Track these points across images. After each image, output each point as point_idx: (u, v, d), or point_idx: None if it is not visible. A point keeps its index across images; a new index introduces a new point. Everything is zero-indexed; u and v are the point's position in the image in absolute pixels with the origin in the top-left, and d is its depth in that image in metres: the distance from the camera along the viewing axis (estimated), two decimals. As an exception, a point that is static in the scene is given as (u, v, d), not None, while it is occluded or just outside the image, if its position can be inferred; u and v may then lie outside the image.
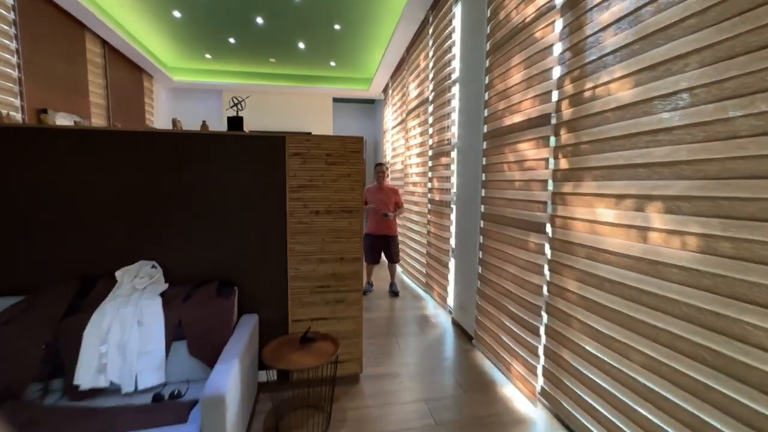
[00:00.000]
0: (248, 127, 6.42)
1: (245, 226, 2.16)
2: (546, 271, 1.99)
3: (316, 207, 2.23)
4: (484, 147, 2.70)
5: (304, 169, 2.20)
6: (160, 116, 6.17)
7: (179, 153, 2.05)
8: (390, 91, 6.08)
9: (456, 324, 3.34)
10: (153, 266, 2.04)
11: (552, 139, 1.94)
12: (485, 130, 2.68)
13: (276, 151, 2.16)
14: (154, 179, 2.03)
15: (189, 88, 6.38)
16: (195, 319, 1.86)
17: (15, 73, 3.14)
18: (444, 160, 3.50)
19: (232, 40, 4.99)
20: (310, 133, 6.74)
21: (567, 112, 1.82)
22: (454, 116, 3.33)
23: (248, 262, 2.18)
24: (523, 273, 2.17)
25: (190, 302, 1.93)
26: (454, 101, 3.33)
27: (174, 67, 5.95)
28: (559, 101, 1.88)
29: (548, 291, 1.97)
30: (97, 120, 4.37)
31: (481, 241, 2.77)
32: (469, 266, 3.01)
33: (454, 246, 3.38)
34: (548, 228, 1.97)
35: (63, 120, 3.64)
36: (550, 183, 1.95)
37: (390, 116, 6.15)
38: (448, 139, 3.44)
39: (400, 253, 4.64)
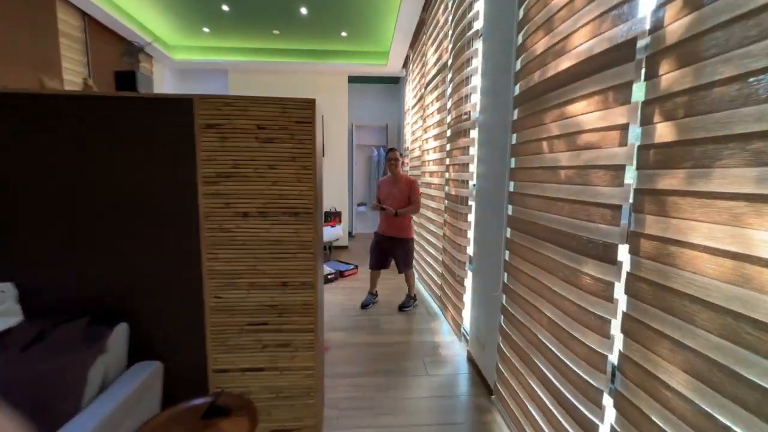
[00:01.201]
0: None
1: (140, 234, 1.46)
2: (616, 334, 1.09)
3: (243, 207, 1.49)
4: (514, 118, 1.80)
5: (225, 149, 1.45)
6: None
7: (37, 126, 1.37)
8: (410, 65, 5.18)
9: (472, 362, 2.48)
10: (1, 291, 1.40)
11: (638, 88, 1.02)
12: (516, 93, 1.77)
13: (180, 122, 1.42)
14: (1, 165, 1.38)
15: (193, 68, 5.89)
16: (21, 380, 1.19)
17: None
18: (462, 141, 2.61)
19: (225, 8, 4.35)
20: (323, 119, 5.99)
21: (678, 26, 0.90)
22: (476, 80, 2.42)
23: (146, 286, 1.49)
24: (571, 326, 1.28)
25: (35, 349, 1.27)
26: (475, 60, 2.42)
27: (175, 45, 5.46)
28: (661, 6, 0.95)
29: (621, 371, 1.08)
30: (76, 101, 3.93)
31: (507, 257, 1.88)
32: (490, 289, 2.14)
33: (472, 255, 2.51)
34: (624, 254, 1.07)
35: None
36: (631, 171, 1.04)
37: (410, 94, 5.26)
38: (466, 113, 2.53)
39: (414, 259, 3.81)
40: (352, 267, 4.72)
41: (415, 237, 4.36)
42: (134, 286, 1.48)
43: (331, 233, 5.29)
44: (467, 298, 2.62)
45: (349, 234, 6.97)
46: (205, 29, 4.99)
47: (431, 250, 3.67)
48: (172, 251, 1.48)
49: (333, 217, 5.95)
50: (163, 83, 5.73)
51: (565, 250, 1.32)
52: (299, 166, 1.48)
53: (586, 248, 1.21)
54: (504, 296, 1.91)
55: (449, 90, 2.95)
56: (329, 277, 4.31)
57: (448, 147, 3.00)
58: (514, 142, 1.82)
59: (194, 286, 1.50)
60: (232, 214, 1.48)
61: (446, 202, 3.04)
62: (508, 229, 1.87)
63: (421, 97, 4.19)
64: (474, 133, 2.48)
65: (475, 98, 2.44)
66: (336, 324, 3.14)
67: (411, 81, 5.14)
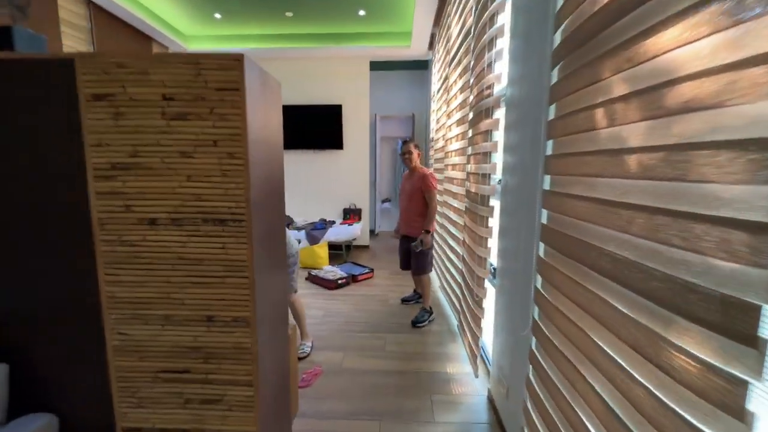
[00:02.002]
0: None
1: (16, 248, 1.09)
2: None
3: (149, 211, 1.06)
4: (554, 81, 1.22)
5: (121, 129, 1.03)
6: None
7: None
8: (436, 45, 4.59)
9: (493, 406, 1.94)
10: None
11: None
12: (556, 43, 1.20)
13: (58, 93, 1.02)
14: None
15: (210, 59, 5.69)
16: None
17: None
18: (483, 124, 2.03)
19: (232, -11, 4.02)
20: (341, 108, 5.62)
21: None
22: (502, 43, 1.84)
23: (29, 316, 1.11)
24: None
25: None
26: (501, 15, 1.84)
27: (189, 35, 5.27)
28: None
29: None
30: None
31: (539, 285, 1.33)
32: (516, 318, 1.58)
33: (496, 269, 1.95)
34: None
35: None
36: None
37: (435, 77, 4.68)
38: (489, 86, 1.95)
39: (436, 264, 3.29)
40: (367, 271, 4.27)
41: (436, 237, 3.84)
42: (14, 315, 1.11)
43: (348, 232, 4.87)
44: (489, 320, 2.07)
45: (372, 232, 6.53)
46: (217, 15, 4.72)
47: (453, 256, 3.11)
48: (60, 271, 1.09)
49: (352, 214, 5.53)
50: (180, 75, 5.57)
51: (638, 295, 0.75)
52: (223, 154, 1.02)
53: (684, 301, 0.64)
54: (534, 339, 1.35)
55: (472, 61, 2.37)
56: (340, 282, 3.89)
57: (470, 133, 2.43)
58: (551, 116, 1.24)
59: (91, 317, 1.11)
60: (135, 221, 1.06)
61: (466, 201, 2.47)
62: (541, 245, 1.31)
63: (446, 78, 3.61)
64: (499, 114, 1.90)
65: (500, 67, 1.86)
66: (334, 341, 2.70)
67: (437, 62, 4.55)
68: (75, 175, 1.05)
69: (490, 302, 2.03)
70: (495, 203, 1.96)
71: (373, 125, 6.35)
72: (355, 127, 5.51)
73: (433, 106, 4.74)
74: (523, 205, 1.53)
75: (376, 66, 6.09)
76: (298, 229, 4.89)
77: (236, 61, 0.99)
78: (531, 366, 1.36)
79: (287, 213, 5.66)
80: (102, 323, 1.11)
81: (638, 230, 0.74)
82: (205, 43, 5.30)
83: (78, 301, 1.11)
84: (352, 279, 4.09)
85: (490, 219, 1.96)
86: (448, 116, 3.39)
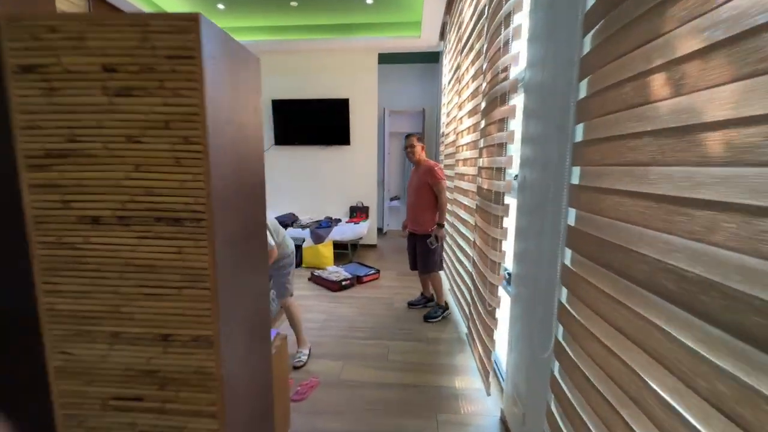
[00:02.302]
0: (268, 95, 5.34)
1: (-58, 248, 0.92)
2: None
3: (92, 208, 0.88)
4: (585, 51, 0.99)
5: (56, 108, 0.85)
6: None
7: None
8: (447, 35, 4.35)
9: (506, 429, 1.72)
10: None
11: None
12: (590, 4, 0.97)
13: (-18, 61, 0.85)
14: None
15: (215, 53, 5.56)
16: None
17: None
18: (497, 112, 1.80)
19: (234, -23, 3.86)
20: (348, 103, 5.41)
21: None
22: (519, 19, 1.61)
23: (-40, 331, 0.95)
24: None
25: None
26: (522, -16, 1.60)
27: (194, 27, 5.14)
28: None
29: None
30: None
31: (564, 299, 1.11)
32: (534, 334, 1.36)
33: (511, 274, 1.72)
34: None
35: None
36: None
37: (446, 68, 4.44)
38: (504, 69, 1.72)
39: (446, 265, 3.08)
40: (373, 272, 4.08)
41: (446, 236, 3.62)
42: (-58, 329, 0.95)
43: (353, 231, 4.68)
44: (503, 331, 1.85)
45: (379, 231, 6.33)
46: (220, 6, 4.57)
47: (463, 258, 2.89)
48: (-9, 278, 0.92)
49: (359, 212, 5.34)
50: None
51: (714, 327, 0.53)
52: (178, 138, 0.83)
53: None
54: (557, 363, 1.13)
55: (485, 45, 2.14)
56: (344, 283, 3.71)
57: (482, 124, 2.20)
58: (583, 94, 1.02)
59: (29, 333, 0.94)
60: (75, 220, 0.88)
61: (477, 198, 2.25)
62: (567, 251, 1.08)
63: (457, 67, 3.38)
64: (516, 100, 1.67)
65: (518, 46, 1.63)
66: (334, 349, 2.52)
67: (448, 53, 4.31)
68: (5, 164, 0.87)
69: (504, 311, 1.81)
70: (510, 201, 1.74)
71: (382, 120, 6.14)
72: (362, 122, 5.31)
73: (444, 99, 4.51)
74: (544, 203, 1.30)
75: (385, 59, 5.87)
76: (303, 227, 4.72)
77: (190, 21, 0.80)
78: (553, 395, 1.14)
79: (291, 211, 5.51)
80: (41, 340, 0.94)
81: (723, 239, 0.52)
82: (210, 36, 5.16)
83: (12, 314, 0.94)
84: (357, 280, 3.90)
85: (504, 219, 1.74)
86: (460, 108, 3.16)
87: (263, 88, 5.61)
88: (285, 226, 4.73)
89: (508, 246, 1.74)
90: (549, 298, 1.22)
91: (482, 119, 2.19)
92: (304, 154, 5.44)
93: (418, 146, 2.91)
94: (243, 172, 1.05)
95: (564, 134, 1.13)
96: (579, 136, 1.06)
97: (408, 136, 2.98)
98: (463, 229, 2.87)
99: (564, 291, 1.12)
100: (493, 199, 1.84)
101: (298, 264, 4.47)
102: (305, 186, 5.51)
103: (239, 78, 1.01)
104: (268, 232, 2.04)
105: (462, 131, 3.02)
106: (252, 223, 1.13)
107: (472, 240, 2.41)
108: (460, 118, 3.10)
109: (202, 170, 0.85)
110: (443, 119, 4.56)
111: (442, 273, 3.15)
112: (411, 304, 3.25)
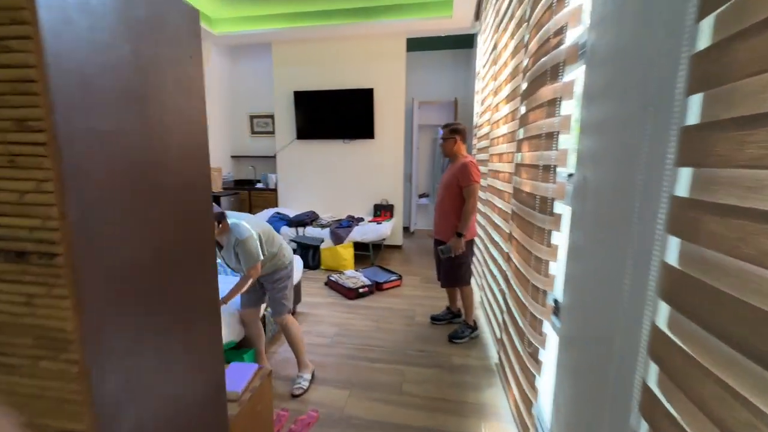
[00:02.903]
0: (290, 86, 5.07)
1: None
2: None
3: None
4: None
5: None
6: (204, 79, 5.37)
7: None
8: (483, 12, 3.84)
9: None
10: None
11: None
12: None
13: None
14: None
15: (237, 43, 5.38)
16: None
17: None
18: (546, 91, 1.35)
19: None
20: (372, 93, 4.97)
21: None
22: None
23: None
24: None
25: None
26: None
27: (215, 18, 4.97)
28: None
29: None
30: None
31: (652, 381, 0.67)
32: (597, 417, 0.93)
33: (561, 305, 1.28)
34: None
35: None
36: None
37: (481, 50, 3.94)
38: (558, 31, 1.27)
39: (478, 276, 2.65)
40: (394, 278, 3.71)
41: (477, 242, 3.18)
42: None
43: (375, 231, 4.33)
44: (546, 385, 1.42)
45: (406, 230, 5.95)
46: (240, -8, 4.34)
47: (496, 271, 2.45)
48: None
49: (383, 211, 4.98)
50: (209, 63, 5.34)
51: None
52: (8, 123, 0.51)
53: None
54: (642, 486, 0.71)
55: (528, 9, 1.68)
56: (361, 290, 3.37)
57: (522, 109, 1.75)
58: (706, 43, 0.58)
59: None
60: None
61: (514, 202, 1.80)
62: (661, 305, 0.66)
63: (494, 47, 2.90)
64: (577, 74, 1.22)
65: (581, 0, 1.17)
66: (341, 372, 2.19)
67: (483, 32, 3.81)
68: None
69: (550, 350, 1.38)
70: (563, 210, 1.30)
71: (410, 112, 5.72)
72: (388, 114, 4.93)
73: (478, 85, 4.02)
74: (619, 220, 0.87)
75: (414, 45, 5.43)
76: (322, 226, 4.44)
77: None
78: None
79: (312, 209, 5.25)
80: None
81: None
82: (232, 26, 4.98)
83: None
84: (376, 287, 3.55)
85: (554, 233, 1.30)
86: (495, 93, 2.70)
87: (283, 80, 5.37)
88: (303, 224, 4.47)
89: (559, 268, 1.31)
90: (626, 369, 0.79)
91: (522, 103, 1.74)
92: (326, 149, 5.15)
93: (455, 138, 2.51)
94: (160, 171, 0.72)
95: (661, 115, 0.70)
96: (693, 117, 0.62)
97: (444, 126, 2.59)
98: (496, 237, 2.42)
99: (653, 368, 0.69)
100: (538, 207, 1.40)
101: (316, 266, 4.20)
102: (327, 182, 5.23)
103: (153, 31, 0.67)
104: (256, 244, 1.74)
105: (498, 121, 2.56)
106: (182, 242, 0.80)
107: (506, 252, 1.98)
108: (496, 105, 2.64)
109: (51, 175, 0.52)
110: (477, 108, 4.08)
111: (473, 284, 2.74)
112: (434, 319, 2.86)
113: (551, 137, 1.29)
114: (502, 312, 2.10)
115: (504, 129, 2.30)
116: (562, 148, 1.24)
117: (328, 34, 4.80)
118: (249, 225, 1.75)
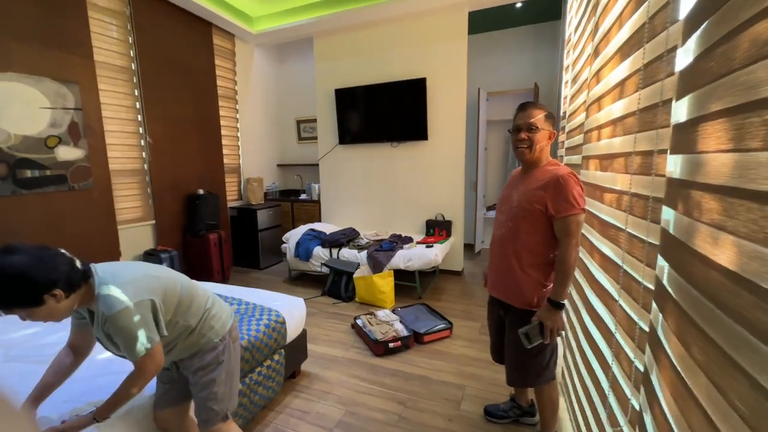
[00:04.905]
0: (331, 84, 4.39)
1: None
2: None
3: None
4: None
5: None
6: (248, 84, 5.02)
7: None
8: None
9: None
10: None
11: None
12: None
13: None
14: None
15: (278, 41, 4.91)
16: None
17: None
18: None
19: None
20: (425, 83, 3.92)
21: None
22: None
23: None
24: None
25: None
26: None
27: (255, 16, 4.57)
28: None
29: None
30: (118, 88, 3.35)
31: None
32: None
33: None
34: None
35: (18, 83, 2.63)
36: None
37: (573, 16, 2.77)
38: None
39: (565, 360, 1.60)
40: (441, 326, 2.76)
41: (567, 308, 2.07)
42: None
43: (422, 258, 3.40)
44: None
45: (469, 249, 4.89)
46: (270, -19, 3.82)
47: (591, 356, 1.37)
48: None
49: (438, 228, 4.03)
50: (252, 66, 5.00)
51: None
52: None
53: None
54: None
55: None
56: (392, 345, 2.50)
57: (639, 99, 0.72)
58: None
59: None
60: None
61: (642, 245, 0.76)
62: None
63: (594, 6, 1.80)
64: None
65: None
66: None
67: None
68: None
69: None
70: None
71: (474, 106, 4.66)
72: (445, 109, 3.97)
73: (567, 60, 2.86)
74: None
75: (479, 23, 4.38)
76: (360, 248, 3.67)
77: None
78: None
79: (351, 225, 4.52)
80: None
81: None
82: (272, 22, 4.54)
83: None
84: (414, 338, 2.65)
85: None
86: (597, 78, 1.60)
87: (325, 78, 4.63)
88: (338, 246, 3.75)
89: None
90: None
91: (641, 86, 0.71)
92: (371, 154, 4.39)
93: (550, 128, 1.49)
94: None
95: None
96: None
97: (521, 107, 1.55)
98: (593, 299, 1.35)
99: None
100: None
101: (350, 298, 3.44)
102: (371, 194, 4.47)
103: None
104: (136, 320, 1.00)
105: (603, 97, 1.48)
106: None
107: (614, 327, 0.94)
108: (598, 71, 1.55)
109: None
110: (565, 92, 2.91)
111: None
112: (490, 414, 1.86)
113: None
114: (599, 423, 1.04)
115: (618, 107, 1.23)
116: None
117: (372, 16, 4.04)
118: (136, 286, 1.03)
